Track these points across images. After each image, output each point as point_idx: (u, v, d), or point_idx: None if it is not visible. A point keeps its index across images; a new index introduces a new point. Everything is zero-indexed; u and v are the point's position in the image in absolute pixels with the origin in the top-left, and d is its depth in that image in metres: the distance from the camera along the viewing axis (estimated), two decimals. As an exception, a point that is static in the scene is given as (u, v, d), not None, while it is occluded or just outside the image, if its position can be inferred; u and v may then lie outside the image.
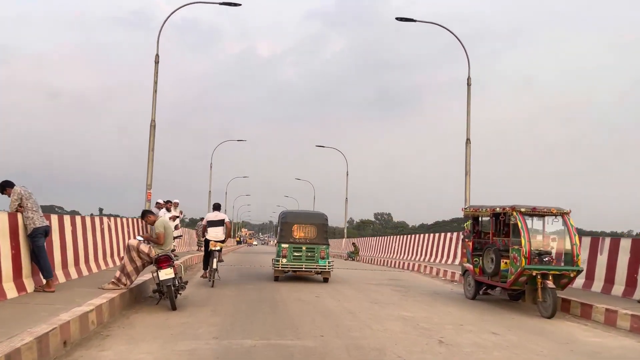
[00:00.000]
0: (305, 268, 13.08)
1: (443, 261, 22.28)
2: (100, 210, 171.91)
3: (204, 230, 12.78)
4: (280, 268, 13.07)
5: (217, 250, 12.00)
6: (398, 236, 32.17)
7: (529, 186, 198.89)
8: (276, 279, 13.42)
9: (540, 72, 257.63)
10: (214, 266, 11.77)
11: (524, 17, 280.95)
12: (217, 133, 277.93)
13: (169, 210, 16.97)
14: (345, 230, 38.47)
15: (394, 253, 30.21)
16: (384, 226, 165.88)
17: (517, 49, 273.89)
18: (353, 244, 34.47)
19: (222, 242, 12.45)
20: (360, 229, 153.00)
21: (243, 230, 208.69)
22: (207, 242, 12.43)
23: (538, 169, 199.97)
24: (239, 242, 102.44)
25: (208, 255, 12.33)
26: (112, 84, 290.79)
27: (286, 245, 13.13)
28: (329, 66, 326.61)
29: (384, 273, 19.72)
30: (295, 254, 13.07)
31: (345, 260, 31.80)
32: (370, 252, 35.79)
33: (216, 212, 13.07)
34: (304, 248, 13.09)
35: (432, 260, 23.54)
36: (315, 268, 13.15)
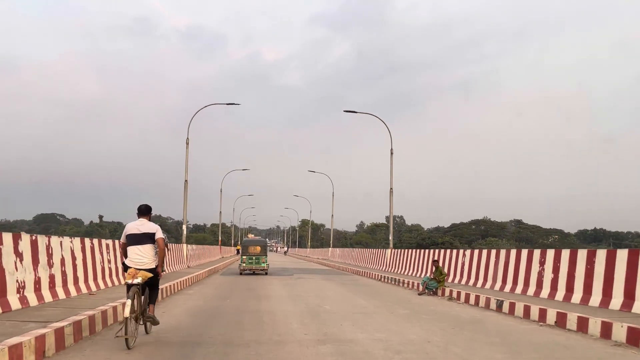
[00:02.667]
0: (254, 268, 23.24)
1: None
2: (101, 217, 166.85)
3: (123, 251, 7.33)
4: (242, 268, 23.38)
5: (138, 286, 6.77)
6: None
7: (545, 187, 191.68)
8: (240, 273, 23.48)
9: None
10: (127, 313, 6.28)
11: (530, 16, 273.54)
12: (222, 138, 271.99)
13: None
14: (390, 240, 26.50)
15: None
16: (397, 230, 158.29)
17: (523, 48, 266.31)
18: (435, 262, 15.69)
19: (152, 272, 7.04)
20: (373, 232, 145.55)
21: (249, 235, 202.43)
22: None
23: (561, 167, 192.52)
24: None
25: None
26: (117, 92, 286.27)
27: (245, 257, 23.41)
28: (334, 69, 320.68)
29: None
30: (249, 260, 23.27)
31: (419, 293, 15.30)
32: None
33: (142, 220, 7.37)
34: (253, 258, 23.23)
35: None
36: (259, 267, 23.18)
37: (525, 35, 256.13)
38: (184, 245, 22.75)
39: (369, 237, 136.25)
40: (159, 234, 7.10)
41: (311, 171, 50.30)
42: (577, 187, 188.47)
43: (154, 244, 7.08)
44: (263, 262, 22.61)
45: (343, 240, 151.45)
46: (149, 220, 7.25)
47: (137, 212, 7.33)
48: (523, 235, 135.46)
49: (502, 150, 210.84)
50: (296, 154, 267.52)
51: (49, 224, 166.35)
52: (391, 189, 27.04)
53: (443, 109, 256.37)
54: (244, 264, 22.65)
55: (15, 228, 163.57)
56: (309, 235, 73.63)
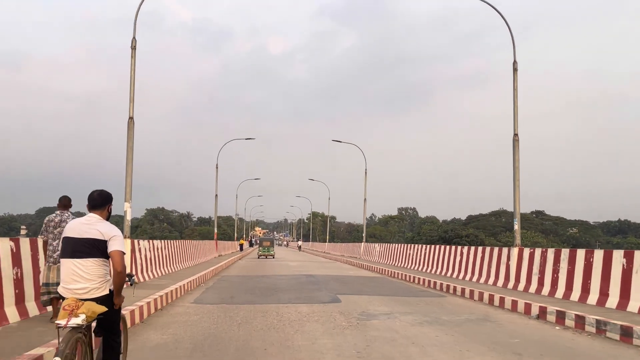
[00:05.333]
0: (266, 254, 34.69)
1: None
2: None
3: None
4: (259, 254, 35.07)
5: (80, 330, 3.77)
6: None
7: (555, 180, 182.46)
8: (258, 257, 34.96)
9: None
10: None
11: (538, 8, 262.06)
12: (230, 132, 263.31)
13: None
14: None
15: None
16: (411, 222, 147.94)
17: (528, 40, 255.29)
18: None
19: (104, 303, 3.95)
20: (385, 225, 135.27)
21: (257, 228, 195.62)
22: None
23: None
24: (251, 244, 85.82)
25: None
26: (124, 86, 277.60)
27: (261, 247, 35.83)
28: (340, 62, 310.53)
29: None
30: (263, 250, 35.13)
31: None
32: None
33: (91, 217, 4.11)
34: (266, 248, 35.28)
35: None
36: (269, 254, 34.83)
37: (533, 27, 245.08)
38: (130, 241, 12.24)
39: (383, 229, 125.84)
40: (116, 245, 3.96)
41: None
42: (600, 178, 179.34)
43: (104, 258, 3.96)
44: (272, 251, 35.59)
45: (355, 233, 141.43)
46: (106, 220, 4.12)
47: (89, 200, 4.12)
48: (547, 227, 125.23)
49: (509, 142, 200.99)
50: (304, 146, 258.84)
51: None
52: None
53: (450, 100, 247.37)
54: (260, 252, 35.61)
55: (15, 222, 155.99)
56: (328, 228, 63.26)
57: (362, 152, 32.70)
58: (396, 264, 23.40)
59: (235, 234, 57.92)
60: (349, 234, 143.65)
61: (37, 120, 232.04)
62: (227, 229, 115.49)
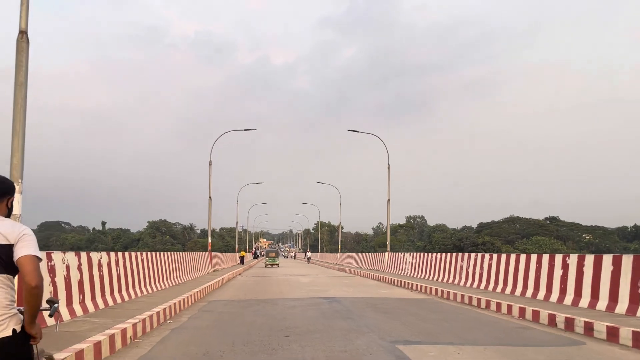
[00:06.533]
0: (272, 263, 41.62)
1: None
2: (103, 224, 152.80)
3: None
4: (266, 263, 42.01)
5: None
6: None
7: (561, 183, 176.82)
8: (265, 266, 40.86)
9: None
10: None
11: (538, 15, 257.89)
12: (233, 144, 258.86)
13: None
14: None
15: None
16: (420, 231, 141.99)
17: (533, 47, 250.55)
18: None
19: (10, 344, 2.50)
20: (394, 233, 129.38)
21: (261, 240, 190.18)
22: None
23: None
24: (255, 256, 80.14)
25: None
26: (126, 100, 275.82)
27: (267, 258, 42.78)
28: (343, 72, 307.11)
29: None
30: (269, 260, 42.15)
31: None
32: None
33: None
34: (272, 258, 42.33)
35: None
36: (274, 264, 41.64)
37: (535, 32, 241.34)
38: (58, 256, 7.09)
39: (394, 238, 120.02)
40: (27, 248, 2.59)
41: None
42: (614, 183, 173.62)
43: (8, 274, 2.59)
44: (277, 260, 42.38)
45: (364, 242, 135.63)
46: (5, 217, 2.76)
47: None
48: (562, 233, 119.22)
49: (514, 150, 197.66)
50: (308, 156, 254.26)
51: (50, 232, 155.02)
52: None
53: (452, 109, 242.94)
54: (267, 262, 42.00)
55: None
56: (340, 236, 57.59)
57: (384, 143, 27.48)
58: (436, 279, 17.99)
59: (237, 245, 52.21)
60: (357, 244, 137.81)
61: (39, 135, 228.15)
62: (231, 240, 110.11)
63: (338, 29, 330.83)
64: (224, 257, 33.75)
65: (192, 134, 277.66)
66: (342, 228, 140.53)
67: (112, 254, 10.67)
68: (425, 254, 19.77)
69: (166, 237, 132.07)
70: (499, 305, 10.77)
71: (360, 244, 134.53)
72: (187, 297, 11.81)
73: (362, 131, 29.31)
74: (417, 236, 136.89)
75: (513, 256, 13.28)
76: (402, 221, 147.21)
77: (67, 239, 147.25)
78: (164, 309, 9.29)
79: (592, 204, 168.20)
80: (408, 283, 17.44)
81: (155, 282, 13.69)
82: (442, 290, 14.09)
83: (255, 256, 78.97)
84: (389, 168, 26.84)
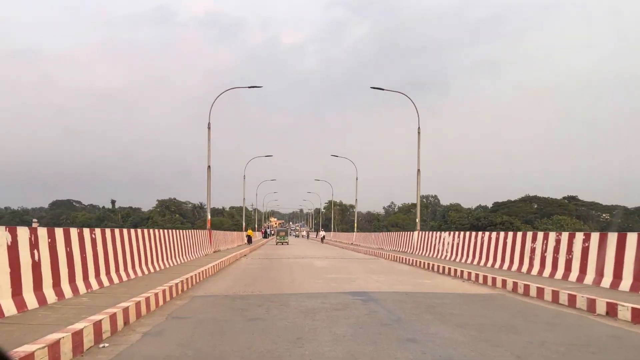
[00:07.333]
0: (282, 242, 44.09)
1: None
2: (113, 202, 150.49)
3: None
4: (277, 241, 44.58)
5: None
6: None
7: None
8: (276, 243, 43.75)
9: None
10: None
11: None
12: (243, 126, 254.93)
13: None
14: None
15: None
16: (433, 210, 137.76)
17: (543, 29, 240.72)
18: None
19: None
20: (408, 213, 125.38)
21: (272, 219, 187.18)
22: None
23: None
24: (265, 235, 76.81)
25: None
26: (138, 81, 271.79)
27: (278, 237, 45.48)
28: (353, 52, 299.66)
29: None
30: (280, 239, 44.82)
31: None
32: None
33: None
34: (282, 237, 45.12)
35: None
36: (284, 241, 44.24)
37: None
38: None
39: (407, 217, 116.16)
40: None
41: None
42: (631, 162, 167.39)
43: None
44: (286, 239, 45.46)
45: (375, 222, 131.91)
46: None
47: None
48: (581, 213, 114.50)
49: (529, 128, 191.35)
50: (318, 137, 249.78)
51: (61, 211, 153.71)
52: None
53: (468, 88, 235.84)
54: (278, 240, 44.81)
55: (28, 215, 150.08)
56: (356, 215, 53.69)
57: (413, 102, 23.18)
58: (488, 265, 14.09)
59: (244, 223, 48.40)
60: (369, 223, 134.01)
61: (51, 115, 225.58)
62: (241, 219, 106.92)
63: (349, 7, 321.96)
64: (228, 236, 29.89)
65: (202, 113, 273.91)
66: (353, 208, 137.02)
67: (50, 230, 6.93)
68: (473, 233, 15.81)
69: (176, 215, 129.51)
70: (595, 304, 6.87)
71: (372, 223, 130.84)
72: (160, 292, 8.04)
73: (388, 89, 24.94)
74: (430, 216, 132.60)
75: (613, 235, 9.29)
76: (414, 200, 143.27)
77: (77, 217, 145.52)
78: (107, 318, 5.49)
79: (609, 184, 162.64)
80: (455, 270, 13.53)
81: (124, 270, 9.95)
82: (515, 283, 10.15)
83: (265, 235, 75.70)
84: (419, 132, 22.58)
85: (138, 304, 6.87)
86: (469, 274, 12.50)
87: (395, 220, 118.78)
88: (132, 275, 10.40)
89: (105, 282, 8.83)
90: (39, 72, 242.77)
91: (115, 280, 9.34)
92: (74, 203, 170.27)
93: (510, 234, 13.67)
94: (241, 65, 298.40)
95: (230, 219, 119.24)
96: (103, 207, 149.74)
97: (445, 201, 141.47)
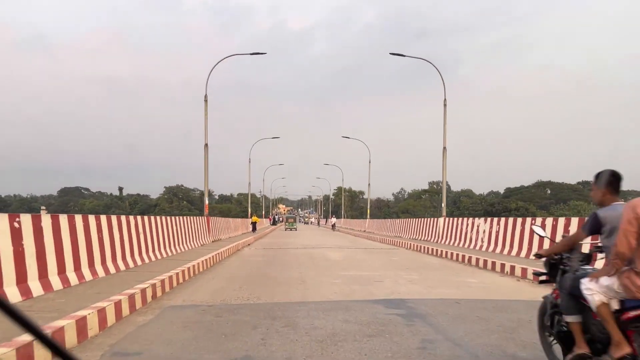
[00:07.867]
0: (291, 228, 47.20)
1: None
2: (120, 189, 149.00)
3: None
4: (286, 227, 48.54)
5: None
6: None
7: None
8: (285, 229, 46.54)
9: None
10: None
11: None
12: (251, 114, 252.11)
13: None
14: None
15: None
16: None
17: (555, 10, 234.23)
18: None
19: None
20: (418, 199, 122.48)
21: (280, 206, 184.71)
22: None
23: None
24: (274, 222, 74.52)
25: None
26: (147, 67, 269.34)
27: (287, 223, 49.46)
28: (361, 36, 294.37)
29: None
30: (289, 225, 48.37)
31: None
32: None
33: None
34: (290, 223, 48.72)
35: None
36: (293, 228, 47.17)
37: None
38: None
39: (418, 204, 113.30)
40: None
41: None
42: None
43: None
44: (295, 225, 48.04)
45: (385, 209, 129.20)
46: None
47: None
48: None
49: (537, 112, 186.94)
50: (326, 123, 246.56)
51: (69, 198, 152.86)
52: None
53: (475, 72, 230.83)
54: (287, 226, 48.36)
55: (36, 202, 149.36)
56: (369, 201, 50.86)
57: (438, 69, 20.34)
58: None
59: (249, 209, 45.59)
60: (379, 209, 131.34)
61: (61, 104, 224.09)
62: (250, 207, 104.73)
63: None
64: (231, 224, 27.24)
65: (209, 100, 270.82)
66: (362, 194, 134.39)
67: None
68: (517, 219, 13.14)
69: (183, 202, 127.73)
70: None
71: (382, 209, 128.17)
72: (111, 304, 5.54)
73: (409, 55, 21.97)
74: (441, 202, 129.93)
75: None
76: (425, 186, 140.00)
77: (85, 204, 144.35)
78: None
79: (625, 169, 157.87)
80: (502, 265, 10.91)
81: (97, 264, 7.49)
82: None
83: (274, 222, 73.42)
84: (445, 104, 19.73)
85: (61, 330, 4.33)
86: (523, 270, 9.89)
87: (406, 206, 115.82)
88: (112, 271, 7.92)
89: (39, 291, 6.32)
90: (46, 60, 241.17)
91: (73, 281, 6.86)
92: (83, 190, 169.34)
93: (562, 219, 11.02)
94: (248, 50, 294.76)
95: (238, 206, 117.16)
96: (111, 194, 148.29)
97: (456, 187, 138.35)
